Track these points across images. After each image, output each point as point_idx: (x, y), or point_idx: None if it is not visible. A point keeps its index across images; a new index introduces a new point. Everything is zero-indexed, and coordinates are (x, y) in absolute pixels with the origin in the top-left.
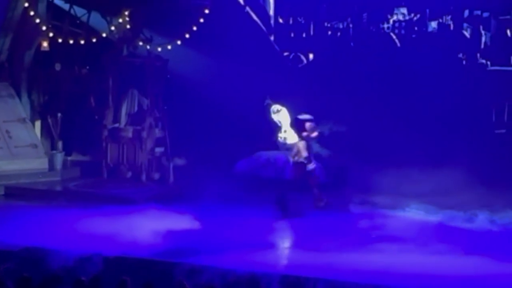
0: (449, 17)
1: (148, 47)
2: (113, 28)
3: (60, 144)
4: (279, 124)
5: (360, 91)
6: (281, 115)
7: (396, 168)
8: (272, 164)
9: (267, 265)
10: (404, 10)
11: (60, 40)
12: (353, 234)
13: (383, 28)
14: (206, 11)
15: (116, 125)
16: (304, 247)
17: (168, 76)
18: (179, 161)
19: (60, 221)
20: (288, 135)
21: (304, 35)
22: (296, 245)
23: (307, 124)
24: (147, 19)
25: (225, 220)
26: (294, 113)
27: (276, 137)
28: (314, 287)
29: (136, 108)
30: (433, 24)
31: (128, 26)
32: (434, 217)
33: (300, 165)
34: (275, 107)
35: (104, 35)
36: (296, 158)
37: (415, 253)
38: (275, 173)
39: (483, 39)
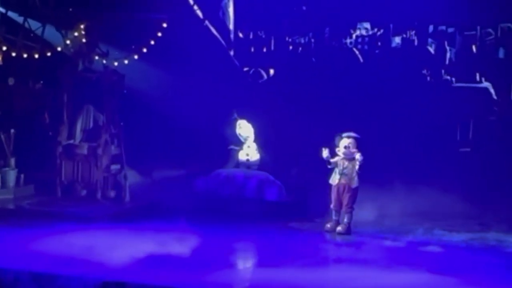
0: (413, 32)
1: (104, 61)
2: (68, 42)
3: (13, 161)
4: (243, 141)
5: (322, 107)
6: (246, 130)
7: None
8: (231, 181)
9: (224, 285)
10: (367, 25)
11: (13, 54)
12: (313, 255)
13: (346, 43)
14: (164, 25)
15: (71, 141)
16: (263, 268)
17: (125, 91)
18: (136, 179)
19: (12, 240)
20: (251, 152)
21: (264, 50)
22: (255, 265)
23: None
24: (103, 33)
25: (183, 239)
26: (257, 129)
27: (238, 154)
28: None
29: (91, 124)
30: (397, 40)
31: (83, 40)
32: (397, 238)
33: None
34: (241, 122)
35: (59, 49)
36: None
37: (377, 275)
38: (234, 191)
39: (448, 55)
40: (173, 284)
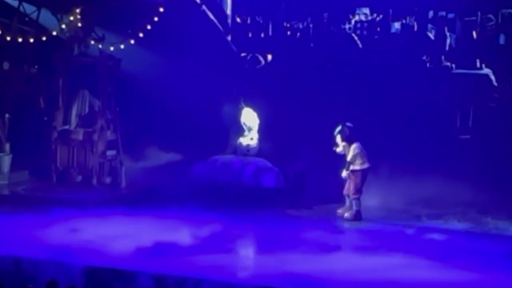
0: (413, 18)
1: (100, 46)
2: (63, 26)
3: (7, 146)
4: (247, 130)
5: (320, 94)
6: (250, 120)
7: None
8: (229, 168)
9: (221, 272)
10: (366, 10)
11: (8, 38)
12: (311, 243)
13: (345, 28)
14: (161, 10)
15: (66, 127)
16: (261, 254)
17: (121, 76)
18: (132, 165)
19: (6, 226)
20: (253, 142)
21: (262, 35)
22: (252, 251)
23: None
24: (99, 17)
25: (179, 226)
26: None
27: (238, 141)
28: None
29: (87, 110)
30: (397, 25)
31: (79, 24)
32: (395, 225)
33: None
34: (247, 110)
35: (54, 33)
36: None
37: (375, 261)
38: (231, 178)
39: (448, 41)
40: (169, 270)
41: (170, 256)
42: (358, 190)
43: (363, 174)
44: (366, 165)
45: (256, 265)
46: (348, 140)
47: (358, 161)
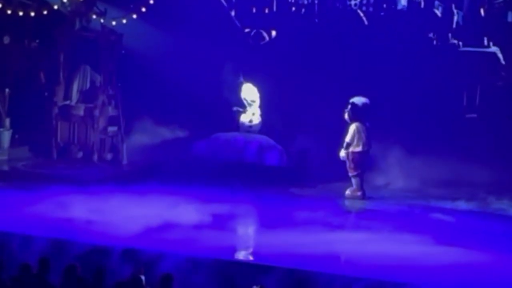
0: None
1: (102, 21)
2: (65, 0)
3: (8, 122)
4: (247, 105)
5: (324, 71)
6: (251, 94)
7: None
8: (231, 146)
9: (223, 249)
10: None
11: (9, 12)
12: (314, 221)
13: (350, 4)
14: None
15: (67, 102)
16: (263, 233)
17: (123, 51)
18: (134, 141)
19: (6, 202)
20: (255, 117)
21: (266, 10)
22: (255, 230)
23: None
24: None
25: (181, 203)
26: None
27: (240, 118)
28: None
29: (88, 85)
30: (403, 2)
31: None
32: (401, 204)
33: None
34: (247, 85)
35: (55, 7)
36: None
37: (379, 241)
38: (234, 155)
39: (455, 18)
40: (171, 248)
41: (171, 233)
42: (353, 169)
43: (358, 156)
44: (359, 148)
45: (258, 243)
46: (352, 119)
47: (355, 143)
